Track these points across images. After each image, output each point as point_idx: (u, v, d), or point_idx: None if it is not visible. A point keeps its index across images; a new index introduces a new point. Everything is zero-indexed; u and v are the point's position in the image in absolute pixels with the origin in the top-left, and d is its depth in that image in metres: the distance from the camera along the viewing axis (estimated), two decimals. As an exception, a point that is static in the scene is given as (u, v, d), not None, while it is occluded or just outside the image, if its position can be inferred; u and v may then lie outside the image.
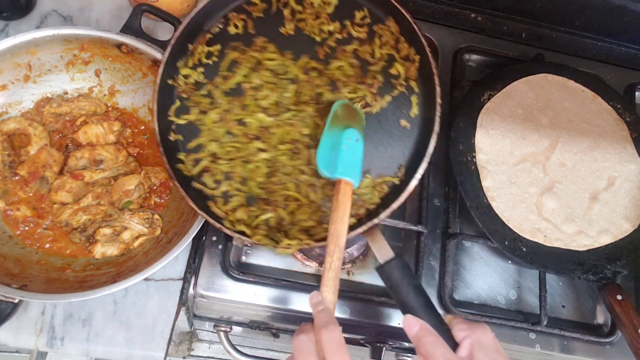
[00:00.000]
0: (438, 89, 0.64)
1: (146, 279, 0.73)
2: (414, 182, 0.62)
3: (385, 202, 0.64)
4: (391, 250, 0.59)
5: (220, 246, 0.74)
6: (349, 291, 0.75)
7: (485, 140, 0.82)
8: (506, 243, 0.76)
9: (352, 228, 0.61)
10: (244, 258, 0.78)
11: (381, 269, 0.59)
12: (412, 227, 0.79)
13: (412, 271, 0.59)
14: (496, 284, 0.82)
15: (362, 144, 0.62)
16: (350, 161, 0.60)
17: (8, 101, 0.75)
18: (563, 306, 0.83)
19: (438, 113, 0.63)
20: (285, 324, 0.78)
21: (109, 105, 0.80)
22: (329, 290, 0.55)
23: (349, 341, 0.81)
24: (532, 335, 0.77)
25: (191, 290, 0.73)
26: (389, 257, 0.59)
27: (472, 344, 0.54)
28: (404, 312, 0.57)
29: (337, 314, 0.74)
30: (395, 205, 0.61)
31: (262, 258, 0.78)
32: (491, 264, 0.83)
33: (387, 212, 0.61)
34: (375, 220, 0.61)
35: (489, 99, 0.85)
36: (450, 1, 0.97)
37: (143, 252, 0.73)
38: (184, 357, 0.80)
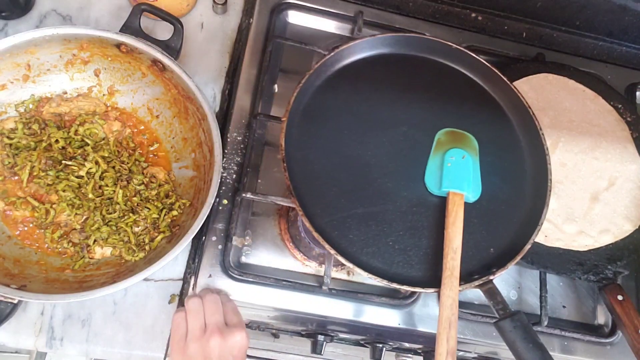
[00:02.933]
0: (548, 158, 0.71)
1: (146, 279, 0.73)
2: (527, 247, 0.66)
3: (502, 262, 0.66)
4: (508, 305, 0.62)
5: (220, 246, 0.74)
6: (349, 291, 0.75)
7: (485, 140, 0.81)
8: (507, 243, 0.76)
9: (466, 281, 0.63)
10: (243, 258, 0.77)
11: (498, 325, 0.61)
12: (413, 227, 0.79)
13: (531, 327, 0.60)
14: (497, 284, 0.81)
15: (471, 159, 0.70)
16: (456, 175, 0.68)
17: (7, 101, 0.75)
18: (564, 306, 0.83)
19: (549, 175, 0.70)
20: (285, 324, 0.78)
21: (108, 105, 0.79)
22: (446, 287, 0.60)
23: (349, 342, 0.80)
24: (533, 336, 0.77)
25: (191, 291, 0.73)
26: (507, 312, 0.61)
27: None
28: None
29: (337, 315, 0.73)
30: (510, 264, 0.65)
31: (262, 258, 0.78)
32: (492, 264, 0.83)
33: (502, 270, 0.64)
34: (491, 277, 0.64)
35: (489, 98, 0.85)
36: (450, 1, 0.97)
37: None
38: (183, 358, 0.80)
